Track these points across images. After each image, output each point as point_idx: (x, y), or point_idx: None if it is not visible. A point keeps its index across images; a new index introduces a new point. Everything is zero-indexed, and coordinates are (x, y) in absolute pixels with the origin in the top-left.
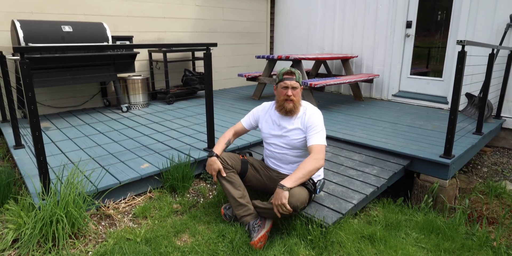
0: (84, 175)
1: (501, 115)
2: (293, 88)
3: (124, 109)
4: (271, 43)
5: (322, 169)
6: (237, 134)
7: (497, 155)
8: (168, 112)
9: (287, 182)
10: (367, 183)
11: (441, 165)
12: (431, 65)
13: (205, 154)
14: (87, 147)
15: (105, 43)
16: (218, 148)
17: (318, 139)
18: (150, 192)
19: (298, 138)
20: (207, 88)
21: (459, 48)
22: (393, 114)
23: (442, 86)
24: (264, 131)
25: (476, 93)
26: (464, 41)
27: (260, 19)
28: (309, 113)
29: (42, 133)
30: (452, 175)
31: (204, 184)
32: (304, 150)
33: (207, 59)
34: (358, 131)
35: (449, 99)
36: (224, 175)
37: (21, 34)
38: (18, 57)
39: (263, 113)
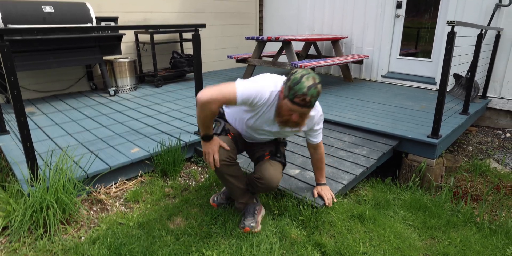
0: (73, 161)
1: (487, 95)
2: (303, 114)
3: (112, 92)
4: (261, 23)
5: None
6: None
7: (482, 134)
8: (157, 96)
9: (322, 180)
10: (357, 163)
11: (429, 145)
12: (420, 45)
13: (195, 137)
14: (74, 132)
15: (89, 25)
16: (211, 130)
17: (320, 136)
18: (141, 176)
19: (292, 133)
20: (196, 71)
21: (449, 28)
22: (382, 95)
23: (430, 67)
24: (256, 122)
25: (464, 74)
26: (454, 21)
27: None
28: (313, 119)
29: (28, 118)
30: (439, 154)
31: (195, 167)
32: None
33: (196, 41)
34: (348, 113)
35: (437, 80)
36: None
37: None
38: None
39: (264, 106)
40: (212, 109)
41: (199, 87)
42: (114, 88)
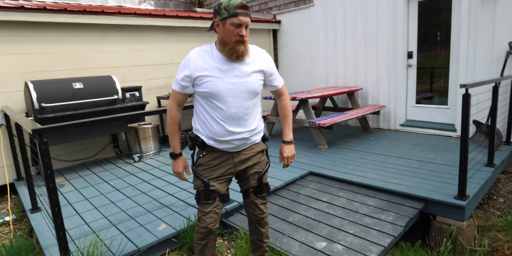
0: (104, 244)
1: (511, 140)
2: (247, 26)
3: (136, 159)
4: None
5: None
6: (181, 109)
7: None
8: None
9: (290, 136)
10: (384, 232)
11: (457, 207)
12: (435, 85)
13: (223, 210)
14: (109, 214)
15: (115, 97)
16: (178, 146)
17: (281, 79)
18: (168, 254)
19: (259, 80)
20: None
21: (463, 90)
22: (403, 147)
23: (448, 113)
24: (219, 87)
25: (483, 120)
26: (468, 85)
27: None
28: (264, 54)
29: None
30: (469, 215)
31: (221, 241)
32: (259, 94)
33: None
34: (370, 171)
35: (457, 127)
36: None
37: (34, 95)
38: (31, 118)
39: (200, 65)
40: (171, 114)
41: None
42: (138, 154)
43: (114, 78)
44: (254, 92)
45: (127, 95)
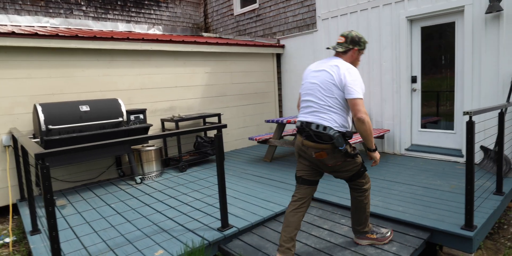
0: None
1: None
2: None
3: (138, 181)
4: (280, 101)
5: None
6: None
7: None
8: (182, 182)
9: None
10: None
11: (464, 238)
12: (442, 108)
13: (220, 235)
14: (108, 238)
15: (119, 119)
16: None
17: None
18: None
19: None
20: (219, 169)
21: (467, 118)
22: (408, 173)
23: (455, 138)
24: None
25: (491, 146)
26: (471, 112)
27: (268, 79)
28: None
29: (58, 212)
30: (477, 247)
31: None
32: None
33: (219, 140)
34: (373, 198)
35: (464, 152)
36: None
37: (42, 117)
38: (38, 140)
39: None
40: (368, 119)
41: (222, 187)
42: (140, 176)
43: (120, 101)
44: None
45: (132, 117)
